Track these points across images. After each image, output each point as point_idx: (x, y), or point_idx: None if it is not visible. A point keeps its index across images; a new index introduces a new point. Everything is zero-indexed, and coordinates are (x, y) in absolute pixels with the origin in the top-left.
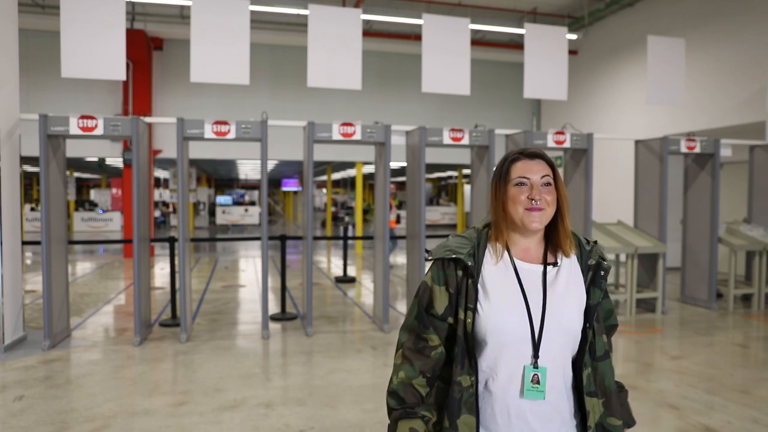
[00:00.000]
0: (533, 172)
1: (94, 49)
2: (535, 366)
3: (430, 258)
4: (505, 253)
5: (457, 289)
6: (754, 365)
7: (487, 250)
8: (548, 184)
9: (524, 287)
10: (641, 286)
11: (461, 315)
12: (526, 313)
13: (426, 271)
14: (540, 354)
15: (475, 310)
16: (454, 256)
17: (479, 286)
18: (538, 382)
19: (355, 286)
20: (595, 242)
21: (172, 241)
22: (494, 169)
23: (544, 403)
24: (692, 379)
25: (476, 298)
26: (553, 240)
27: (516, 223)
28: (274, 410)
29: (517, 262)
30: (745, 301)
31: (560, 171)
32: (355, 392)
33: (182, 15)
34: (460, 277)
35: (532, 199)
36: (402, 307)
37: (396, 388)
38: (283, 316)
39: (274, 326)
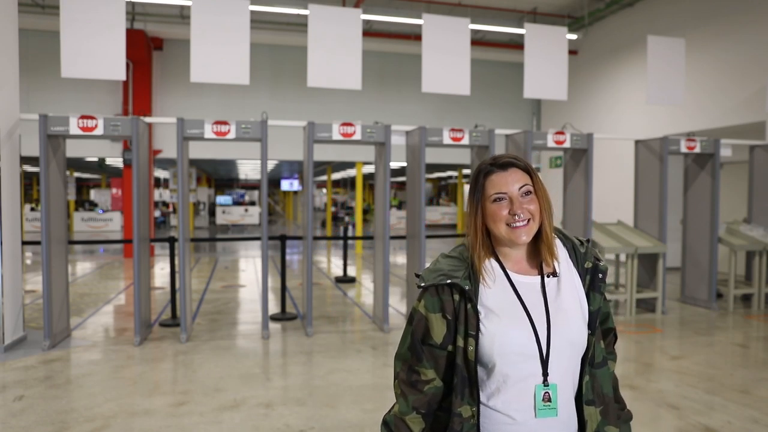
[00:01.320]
0: (510, 183)
1: (94, 49)
2: (546, 384)
3: (422, 285)
4: (499, 268)
5: (455, 315)
6: (754, 365)
7: (481, 268)
8: (528, 192)
9: (525, 302)
10: (641, 286)
11: (460, 342)
12: (531, 330)
13: (418, 297)
14: (549, 371)
15: (477, 336)
16: (449, 281)
17: (479, 308)
18: (549, 400)
19: (355, 286)
20: (588, 241)
21: (172, 241)
22: (469, 187)
23: (555, 420)
24: (692, 379)
25: (477, 323)
26: (541, 250)
27: (501, 240)
28: (274, 410)
29: (513, 276)
30: (745, 301)
31: (560, 171)
32: (355, 392)
33: (182, 15)
34: (457, 302)
35: (514, 215)
36: (402, 307)
37: (389, 420)
38: (283, 316)
39: (274, 326)
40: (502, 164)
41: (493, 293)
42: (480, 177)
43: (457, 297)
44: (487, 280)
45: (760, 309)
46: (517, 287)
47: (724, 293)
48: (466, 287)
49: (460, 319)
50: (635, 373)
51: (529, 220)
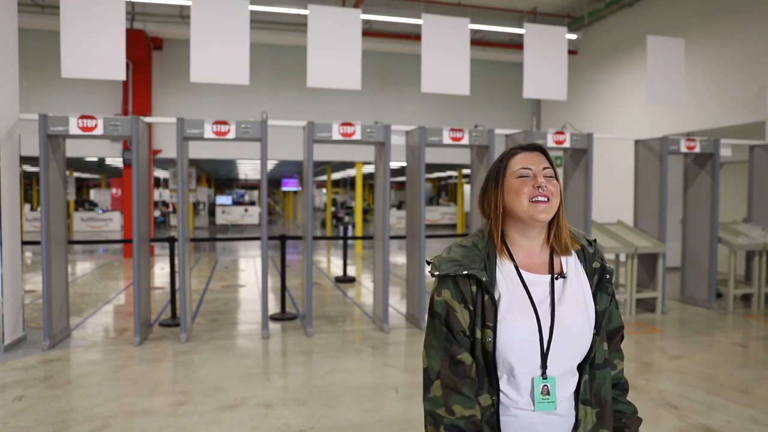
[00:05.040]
0: (535, 163)
1: (94, 49)
2: (544, 377)
3: (436, 274)
4: (511, 263)
5: (474, 306)
6: (754, 365)
7: (496, 259)
8: (550, 176)
9: (533, 297)
10: (641, 286)
11: (478, 334)
12: (536, 322)
13: (435, 287)
14: (548, 365)
15: (495, 328)
16: (466, 272)
17: (496, 297)
18: (548, 393)
19: (355, 286)
20: (595, 241)
21: (172, 241)
22: (489, 170)
23: (555, 414)
24: (692, 379)
25: (495, 314)
26: (555, 240)
27: (520, 218)
28: (274, 410)
29: (524, 274)
30: (744, 301)
31: (560, 171)
32: (355, 392)
33: (182, 15)
34: (474, 293)
35: (538, 187)
36: (402, 307)
37: (456, 423)
38: (283, 316)
39: (274, 326)
40: (527, 147)
41: (504, 286)
42: (505, 158)
43: (474, 288)
44: (500, 269)
45: (760, 309)
46: (527, 284)
47: (723, 293)
48: (483, 278)
49: (477, 311)
50: (635, 373)
51: (549, 198)
